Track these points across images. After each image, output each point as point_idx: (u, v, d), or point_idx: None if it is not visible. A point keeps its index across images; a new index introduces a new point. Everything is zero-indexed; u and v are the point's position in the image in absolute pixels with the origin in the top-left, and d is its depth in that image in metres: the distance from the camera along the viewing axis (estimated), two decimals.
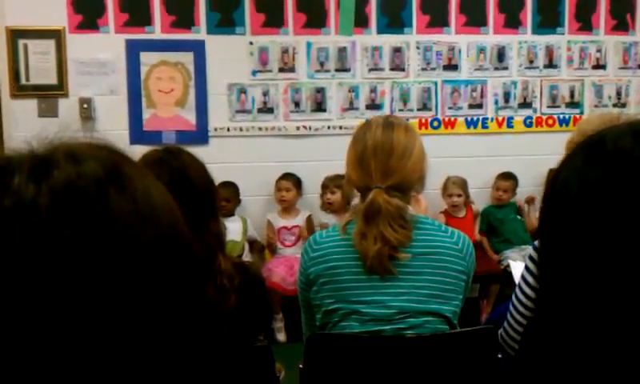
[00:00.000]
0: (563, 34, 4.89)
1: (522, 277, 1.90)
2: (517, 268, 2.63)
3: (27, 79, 4.39)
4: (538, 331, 1.18)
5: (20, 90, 4.39)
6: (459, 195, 4.63)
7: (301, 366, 1.82)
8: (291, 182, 4.54)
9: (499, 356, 1.91)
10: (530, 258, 1.88)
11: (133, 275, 0.58)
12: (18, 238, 0.55)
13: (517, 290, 1.91)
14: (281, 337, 4.29)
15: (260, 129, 4.63)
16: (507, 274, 4.20)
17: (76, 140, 0.65)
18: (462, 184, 4.67)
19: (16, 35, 4.34)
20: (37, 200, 0.56)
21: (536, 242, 1.90)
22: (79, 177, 0.59)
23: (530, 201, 4.81)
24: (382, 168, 1.83)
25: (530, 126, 4.91)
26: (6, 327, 0.55)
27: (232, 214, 4.47)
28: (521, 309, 1.88)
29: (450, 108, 4.81)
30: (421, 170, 1.91)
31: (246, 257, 4.43)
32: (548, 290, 0.96)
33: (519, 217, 4.75)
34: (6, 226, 0.55)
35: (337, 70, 4.67)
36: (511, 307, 1.93)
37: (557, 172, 1.01)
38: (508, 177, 4.76)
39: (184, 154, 1.79)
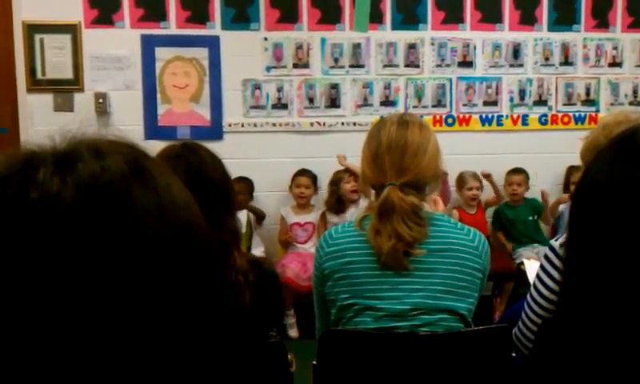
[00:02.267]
0: (579, 31, 4.85)
1: (538, 276, 1.89)
2: (531, 267, 2.62)
3: (43, 74, 4.42)
4: (559, 327, 1.17)
5: (36, 84, 4.42)
6: (478, 188, 4.63)
7: (314, 362, 1.82)
8: (310, 178, 4.54)
9: (513, 355, 1.90)
10: (546, 257, 1.87)
11: (153, 268, 0.59)
12: (44, 230, 0.56)
13: (532, 289, 1.91)
14: (293, 333, 4.29)
15: (274, 125, 4.64)
16: (521, 272, 4.19)
17: (98, 135, 0.66)
18: (478, 177, 4.66)
19: (32, 30, 4.37)
20: (62, 193, 0.57)
21: (551, 241, 1.89)
22: (103, 171, 0.59)
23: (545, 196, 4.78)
24: (396, 165, 1.83)
25: (545, 123, 4.88)
26: (29, 318, 0.55)
27: (242, 208, 4.48)
28: (536, 308, 1.88)
29: (464, 105, 4.80)
30: (435, 167, 1.91)
31: (255, 244, 4.45)
32: (573, 285, 0.96)
33: (533, 217, 4.71)
34: (31, 219, 0.56)
35: (351, 66, 4.67)
36: (526, 306, 1.92)
37: (587, 166, 1.02)
38: (519, 171, 4.73)
39: (202, 150, 1.79)
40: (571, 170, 4.71)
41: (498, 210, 4.78)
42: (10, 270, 0.55)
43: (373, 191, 1.92)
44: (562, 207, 4.71)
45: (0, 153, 0.62)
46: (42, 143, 0.62)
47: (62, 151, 0.61)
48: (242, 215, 4.45)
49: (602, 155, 0.99)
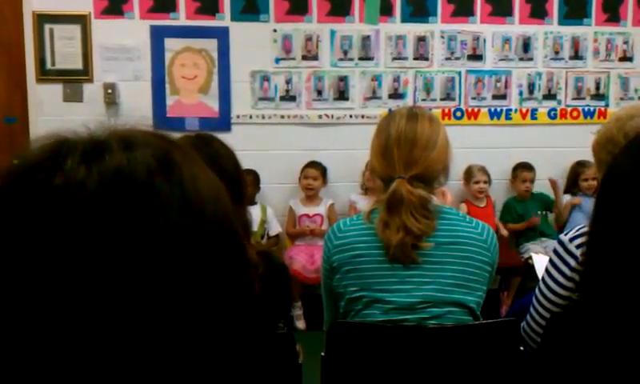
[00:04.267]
0: (590, 25, 4.82)
1: (547, 270, 1.88)
2: (539, 261, 2.62)
3: (53, 64, 4.43)
4: (577, 317, 1.18)
5: (45, 74, 4.43)
6: (485, 181, 4.62)
7: (322, 353, 1.82)
8: (319, 170, 4.54)
9: (521, 349, 1.91)
10: (555, 251, 1.87)
11: (173, 259, 0.60)
12: (65, 216, 0.57)
13: (541, 283, 1.91)
14: (300, 325, 4.31)
15: (282, 117, 4.64)
16: (528, 266, 4.18)
17: (132, 127, 0.67)
18: (486, 170, 4.66)
19: (42, 20, 4.38)
20: (85, 182, 0.58)
21: (561, 236, 1.88)
22: (129, 162, 0.60)
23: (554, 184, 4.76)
24: (405, 158, 1.83)
25: (554, 117, 4.86)
26: (48, 302, 0.56)
27: (254, 202, 4.49)
28: (545, 302, 1.87)
29: (473, 98, 4.78)
30: (445, 161, 1.91)
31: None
32: (596, 273, 0.96)
33: (542, 212, 4.70)
34: (54, 204, 0.58)
35: (360, 59, 4.66)
36: (534, 301, 1.92)
37: (615, 158, 1.02)
38: (530, 167, 4.72)
39: (215, 141, 1.80)
40: (576, 166, 4.69)
41: (507, 203, 4.77)
42: (30, 253, 0.57)
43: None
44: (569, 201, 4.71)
45: (41, 137, 0.64)
46: (78, 131, 0.64)
47: (93, 141, 0.63)
48: (255, 210, 4.46)
49: (628, 147, 0.99)
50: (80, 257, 0.56)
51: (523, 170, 4.72)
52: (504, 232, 4.62)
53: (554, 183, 4.71)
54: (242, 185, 1.81)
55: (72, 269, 0.56)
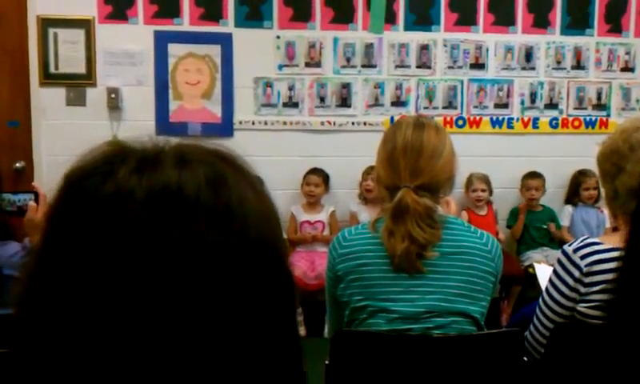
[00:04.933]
0: (592, 35, 4.84)
1: (551, 281, 1.89)
2: (542, 271, 2.63)
3: (56, 68, 4.43)
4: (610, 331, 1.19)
5: (49, 78, 4.43)
6: (483, 190, 4.62)
7: (327, 362, 1.83)
8: (320, 177, 4.55)
9: (525, 359, 1.91)
10: (559, 262, 1.88)
11: (211, 276, 0.61)
12: (112, 222, 0.59)
13: (544, 294, 1.91)
14: (300, 331, 4.30)
15: (285, 123, 4.65)
16: (529, 275, 4.19)
17: (194, 142, 0.69)
18: (486, 179, 4.67)
19: (46, 24, 4.39)
20: (134, 191, 0.60)
21: (565, 247, 1.89)
22: (179, 178, 0.62)
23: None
24: (411, 167, 1.84)
25: (555, 127, 4.87)
26: (85, 307, 0.58)
27: None
28: (548, 313, 1.88)
29: (475, 107, 4.79)
30: (450, 171, 1.91)
31: None
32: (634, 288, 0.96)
33: (547, 225, 4.71)
34: (102, 210, 0.60)
35: (363, 66, 4.67)
36: (538, 311, 1.93)
37: None
38: (536, 175, 4.73)
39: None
40: (578, 175, 4.71)
41: (514, 211, 4.77)
42: (78, 254, 0.59)
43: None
44: (571, 213, 4.71)
45: (104, 143, 0.67)
46: (140, 140, 0.66)
47: (149, 152, 0.64)
48: None
49: None
50: (121, 263, 0.58)
51: (528, 178, 4.73)
52: (502, 236, 4.64)
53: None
54: None
55: (113, 273, 0.58)
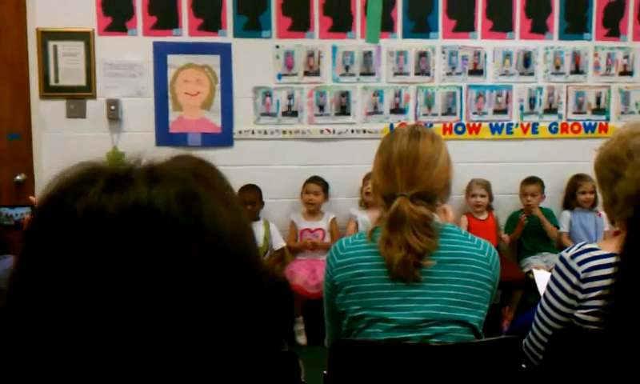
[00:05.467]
0: (590, 39, 4.85)
1: (548, 287, 1.89)
2: (540, 277, 2.63)
3: (56, 80, 4.46)
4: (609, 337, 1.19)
5: (49, 90, 4.46)
6: (483, 195, 4.63)
7: (325, 372, 1.83)
8: (320, 186, 4.56)
9: (523, 366, 1.91)
10: (557, 268, 1.88)
11: (183, 287, 0.62)
12: (84, 239, 0.61)
13: (542, 300, 1.91)
14: (301, 340, 4.31)
15: (284, 132, 4.66)
16: (529, 280, 4.19)
17: (165, 161, 0.71)
18: (486, 185, 4.67)
19: (46, 37, 4.41)
20: (105, 209, 0.62)
21: (562, 253, 1.90)
22: (149, 195, 0.64)
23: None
24: (407, 176, 1.85)
25: (555, 132, 4.88)
26: (58, 321, 0.60)
27: (257, 218, 4.50)
28: (546, 320, 1.88)
29: (474, 113, 4.80)
30: (446, 179, 1.92)
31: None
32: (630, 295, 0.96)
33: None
34: (75, 227, 0.62)
35: (362, 74, 4.69)
36: (536, 318, 1.93)
37: None
38: (533, 181, 4.73)
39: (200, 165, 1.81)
40: (574, 179, 4.71)
41: (512, 217, 4.77)
42: (52, 270, 0.61)
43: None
44: (569, 218, 4.71)
45: (76, 164, 0.69)
46: (113, 160, 0.69)
47: (119, 171, 0.66)
48: (260, 228, 4.48)
49: None
50: (93, 279, 0.60)
51: (525, 184, 4.73)
52: (505, 237, 4.65)
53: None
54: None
55: (85, 290, 0.60)
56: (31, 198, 2.09)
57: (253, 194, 4.47)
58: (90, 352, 0.60)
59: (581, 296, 1.82)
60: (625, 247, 1.69)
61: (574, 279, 1.82)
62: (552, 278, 1.90)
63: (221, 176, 0.74)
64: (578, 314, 1.83)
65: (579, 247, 1.86)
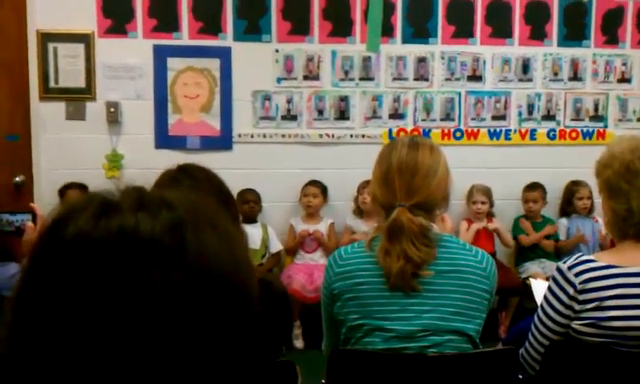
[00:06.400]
0: (589, 46, 4.86)
1: (545, 298, 1.91)
2: (537, 286, 2.64)
3: (56, 82, 4.46)
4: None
5: (48, 92, 4.46)
6: (483, 202, 4.64)
7: (323, 380, 1.84)
8: (318, 188, 4.58)
9: (520, 376, 1.92)
10: (554, 279, 1.89)
11: (169, 311, 0.65)
12: (73, 263, 0.65)
13: (539, 311, 1.93)
14: (298, 344, 4.32)
15: (283, 136, 4.67)
16: (527, 286, 4.20)
17: (159, 192, 0.74)
18: (487, 192, 4.68)
19: (46, 38, 4.41)
20: (92, 235, 0.66)
21: (559, 263, 1.91)
22: (135, 222, 0.67)
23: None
24: (406, 187, 1.86)
25: (553, 138, 4.89)
26: (52, 337, 0.64)
27: (255, 220, 4.51)
28: (543, 330, 1.90)
29: (473, 119, 4.81)
30: (445, 190, 1.93)
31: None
32: None
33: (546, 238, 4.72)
34: (65, 252, 0.66)
35: (361, 79, 4.70)
36: (533, 328, 1.94)
37: None
38: (535, 187, 4.74)
39: (196, 171, 1.82)
40: (571, 185, 4.72)
41: (516, 221, 4.78)
42: (44, 292, 0.65)
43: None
44: (566, 226, 4.72)
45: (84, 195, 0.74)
46: (106, 189, 0.73)
47: (109, 199, 0.70)
48: (257, 231, 4.48)
49: None
50: (82, 300, 0.64)
51: (527, 190, 4.75)
52: (508, 238, 4.67)
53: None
54: (233, 206, 1.83)
55: (75, 309, 0.64)
56: (32, 205, 2.10)
57: (253, 194, 4.51)
58: (81, 369, 0.63)
59: (577, 307, 1.83)
60: None
61: (570, 290, 1.84)
62: (549, 288, 1.91)
63: (209, 206, 0.77)
64: (575, 324, 1.84)
65: (576, 258, 1.88)
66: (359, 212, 4.57)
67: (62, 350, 0.63)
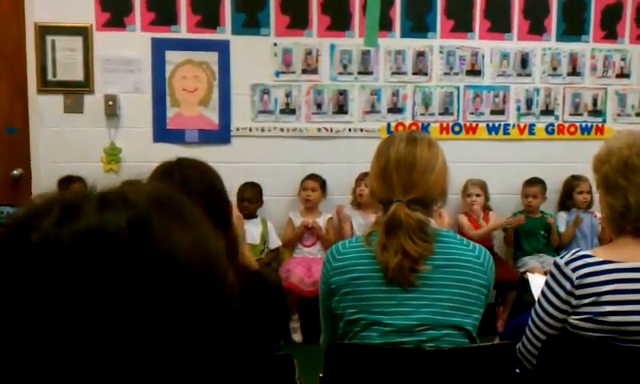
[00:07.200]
0: (588, 41, 4.86)
1: (543, 293, 1.91)
2: (535, 281, 2.64)
3: (54, 75, 4.45)
4: None
5: (46, 85, 4.45)
6: (478, 195, 4.64)
7: (321, 374, 1.85)
8: (317, 182, 4.58)
9: (517, 370, 1.93)
10: (551, 274, 1.90)
11: (142, 305, 0.65)
12: (43, 269, 0.64)
13: (537, 305, 1.93)
14: (297, 337, 4.33)
15: (282, 129, 4.66)
16: (524, 280, 4.21)
17: (124, 186, 0.74)
18: (482, 185, 4.69)
19: (44, 31, 4.40)
20: (59, 239, 0.65)
21: (557, 259, 1.91)
22: (101, 221, 0.67)
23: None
24: (404, 182, 1.86)
25: (551, 133, 4.89)
26: (24, 349, 0.63)
27: (254, 216, 4.51)
28: (540, 325, 1.90)
29: (471, 113, 4.81)
30: (443, 185, 1.94)
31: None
32: None
33: (544, 233, 4.72)
34: (32, 259, 0.65)
35: (359, 73, 4.69)
36: (530, 323, 1.95)
37: None
38: (535, 182, 4.74)
39: (187, 167, 1.81)
40: (571, 179, 4.73)
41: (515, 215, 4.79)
42: (9, 304, 0.64)
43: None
44: (566, 219, 4.73)
45: (35, 195, 0.72)
46: (64, 191, 0.72)
47: (71, 201, 0.69)
48: (257, 226, 4.48)
49: None
50: (55, 306, 0.63)
51: (527, 185, 4.75)
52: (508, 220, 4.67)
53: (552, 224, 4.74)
54: (223, 206, 1.82)
55: (47, 316, 0.63)
56: (32, 198, 2.09)
57: (252, 191, 4.50)
58: (52, 373, 0.63)
59: (574, 302, 1.84)
60: None
61: (567, 285, 1.84)
62: (546, 283, 1.92)
63: (180, 200, 0.76)
64: (572, 319, 1.84)
65: (573, 254, 1.88)
66: (357, 204, 4.57)
67: (35, 350, 0.63)
